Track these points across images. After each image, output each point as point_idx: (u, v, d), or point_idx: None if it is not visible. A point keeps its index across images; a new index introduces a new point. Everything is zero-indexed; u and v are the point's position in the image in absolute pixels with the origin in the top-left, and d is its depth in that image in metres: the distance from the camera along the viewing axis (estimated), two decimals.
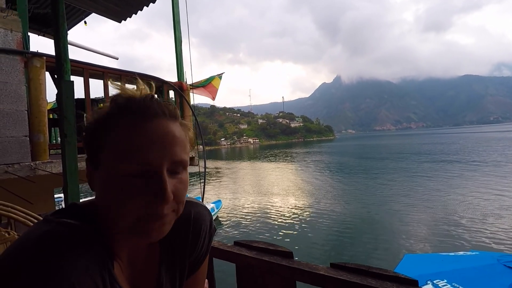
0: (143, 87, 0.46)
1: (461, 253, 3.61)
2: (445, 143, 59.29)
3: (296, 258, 0.96)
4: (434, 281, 2.78)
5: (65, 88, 1.60)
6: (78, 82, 2.87)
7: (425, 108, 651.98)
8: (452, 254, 3.59)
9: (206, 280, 0.67)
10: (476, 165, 24.77)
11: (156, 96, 0.46)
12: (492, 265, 2.87)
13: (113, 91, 0.47)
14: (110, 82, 0.51)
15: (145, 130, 0.40)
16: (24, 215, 1.33)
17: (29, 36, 2.58)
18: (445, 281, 2.74)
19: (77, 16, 4.92)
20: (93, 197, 0.46)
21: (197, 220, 0.56)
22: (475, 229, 10.12)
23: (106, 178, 0.40)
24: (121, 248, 0.45)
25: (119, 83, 0.46)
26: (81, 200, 0.56)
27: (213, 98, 4.82)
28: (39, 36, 5.30)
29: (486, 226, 10.30)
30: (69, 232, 0.39)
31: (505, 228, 9.95)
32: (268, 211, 14.55)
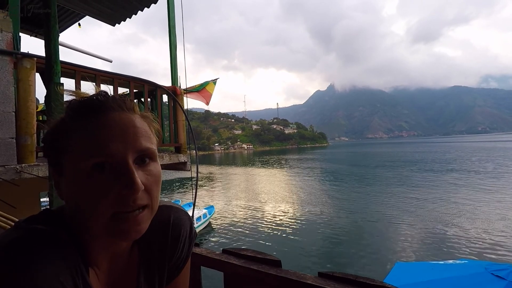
0: (101, 88, 0.46)
1: (450, 261, 3.65)
2: (437, 152, 60.44)
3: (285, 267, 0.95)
4: None
5: (54, 90, 1.57)
6: (69, 84, 2.82)
7: (416, 117, 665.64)
8: (442, 262, 3.63)
9: None
10: (470, 175, 25.11)
11: (115, 93, 0.45)
12: (480, 274, 2.91)
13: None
14: (63, 89, 0.49)
15: (103, 123, 0.40)
16: (5, 219, 1.28)
17: (20, 36, 2.54)
18: None
19: (71, 18, 4.88)
20: None
21: (177, 225, 0.55)
22: (464, 238, 10.27)
23: (72, 180, 0.39)
24: (97, 254, 0.44)
25: (73, 90, 0.45)
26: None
27: (207, 103, 4.80)
28: (31, 37, 5.23)
29: (476, 235, 10.48)
30: (40, 239, 0.37)
31: (493, 237, 10.14)
32: (260, 217, 14.47)
